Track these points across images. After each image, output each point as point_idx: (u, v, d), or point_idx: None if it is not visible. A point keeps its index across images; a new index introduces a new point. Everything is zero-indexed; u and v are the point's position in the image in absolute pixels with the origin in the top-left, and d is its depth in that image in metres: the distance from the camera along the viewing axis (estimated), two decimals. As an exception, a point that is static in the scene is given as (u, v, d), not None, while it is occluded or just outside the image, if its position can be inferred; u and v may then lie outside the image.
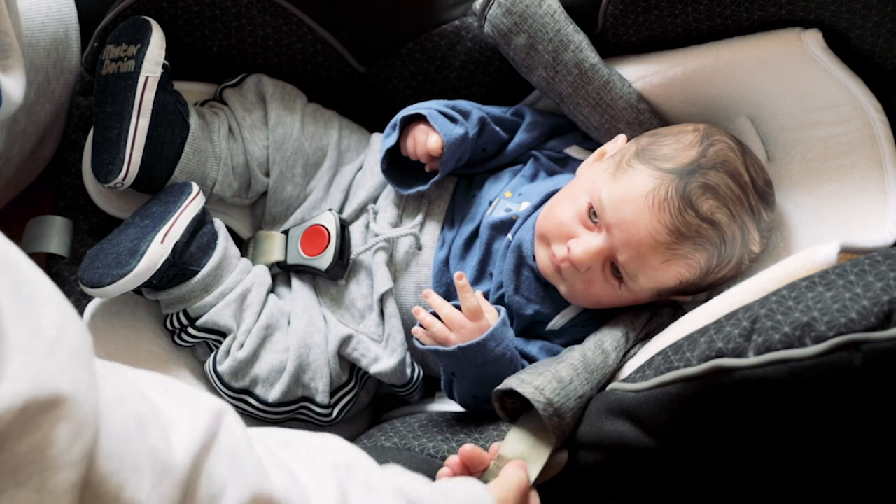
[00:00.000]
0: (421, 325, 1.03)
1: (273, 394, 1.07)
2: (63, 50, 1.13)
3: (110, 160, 1.04)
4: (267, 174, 1.15)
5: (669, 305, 1.05)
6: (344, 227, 1.13)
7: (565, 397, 0.91)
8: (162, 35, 1.07)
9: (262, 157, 1.15)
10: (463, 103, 1.14)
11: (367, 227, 1.15)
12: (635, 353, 1.00)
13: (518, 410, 0.95)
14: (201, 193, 1.07)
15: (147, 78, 1.03)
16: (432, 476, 0.94)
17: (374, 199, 1.17)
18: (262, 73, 1.18)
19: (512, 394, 0.93)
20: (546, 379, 0.91)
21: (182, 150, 1.09)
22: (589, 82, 1.09)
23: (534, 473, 0.89)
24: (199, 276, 1.05)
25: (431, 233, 1.13)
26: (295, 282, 1.14)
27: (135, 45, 1.04)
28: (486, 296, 1.07)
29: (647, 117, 1.11)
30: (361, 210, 1.17)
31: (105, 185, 1.06)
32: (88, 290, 1.00)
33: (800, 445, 0.84)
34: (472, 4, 1.16)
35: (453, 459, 0.89)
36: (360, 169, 1.20)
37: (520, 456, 0.90)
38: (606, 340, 1.00)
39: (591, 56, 1.09)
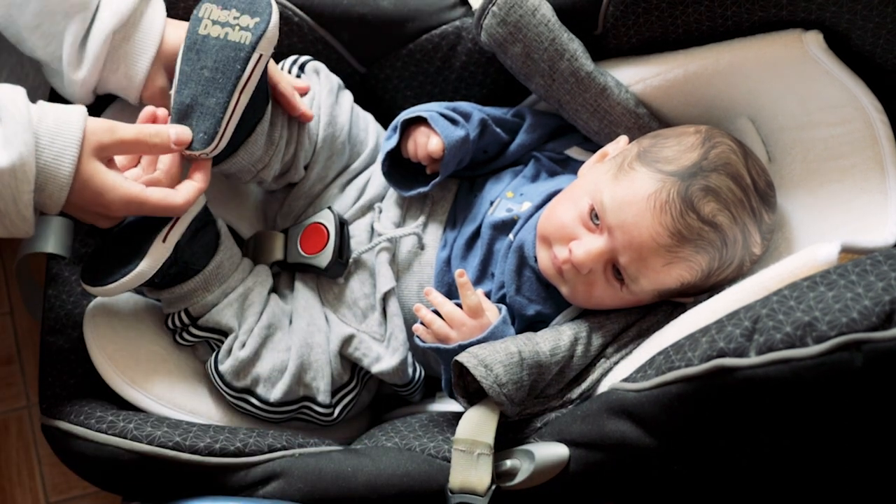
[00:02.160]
0: (422, 323, 1.03)
1: (275, 393, 1.06)
2: None
3: (203, 128, 0.99)
4: (306, 167, 1.14)
5: (667, 304, 1.05)
6: (343, 225, 1.13)
7: (493, 351, 0.93)
8: (279, 16, 1.02)
9: (310, 151, 1.14)
10: (464, 105, 1.14)
11: (372, 226, 1.15)
12: (631, 351, 1.00)
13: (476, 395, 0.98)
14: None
15: (261, 56, 0.99)
16: (436, 477, 0.94)
17: (381, 199, 1.17)
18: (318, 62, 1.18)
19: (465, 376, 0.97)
20: (482, 347, 0.96)
21: (253, 130, 1.05)
22: (586, 90, 1.10)
23: (489, 437, 0.92)
24: (200, 276, 1.05)
25: (434, 233, 1.13)
26: (296, 281, 1.14)
27: (252, 18, 0.99)
28: (487, 296, 1.07)
29: (646, 121, 1.11)
30: (368, 208, 1.16)
31: (192, 152, 1.00)
32: (90, 290, 1.00)
33: (800, 445, 0.84)
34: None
35: None
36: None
37: (470, 432, 0.92)
38: (565, 324, 1.04)
39: (587, 64, 1.09)
